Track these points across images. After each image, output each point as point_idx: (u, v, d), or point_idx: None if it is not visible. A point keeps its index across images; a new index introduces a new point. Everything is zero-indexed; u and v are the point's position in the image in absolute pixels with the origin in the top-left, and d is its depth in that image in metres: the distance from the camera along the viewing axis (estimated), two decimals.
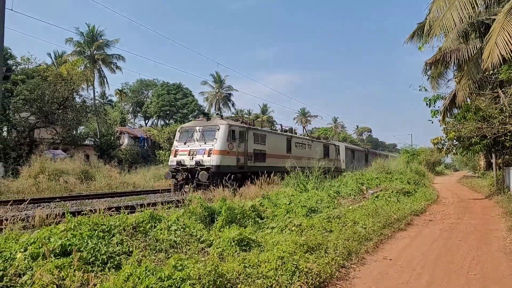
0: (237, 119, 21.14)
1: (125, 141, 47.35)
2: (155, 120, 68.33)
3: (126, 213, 6.70)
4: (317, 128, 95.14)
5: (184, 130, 19.55)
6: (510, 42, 10.45)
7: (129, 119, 68.75)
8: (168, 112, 63.06)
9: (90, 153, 36.77)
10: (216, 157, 17.10)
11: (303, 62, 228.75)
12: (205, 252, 5.96)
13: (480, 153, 23.34)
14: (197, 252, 5.81)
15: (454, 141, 17.91)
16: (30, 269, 4.39)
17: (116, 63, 46.71)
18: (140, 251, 5.29)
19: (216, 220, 7.58)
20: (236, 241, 6.01)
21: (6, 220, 7.85)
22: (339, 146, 36.16)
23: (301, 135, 29.84)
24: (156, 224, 6.39)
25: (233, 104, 68.28)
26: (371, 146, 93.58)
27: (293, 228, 7.58)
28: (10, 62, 33.08)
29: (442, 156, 34.23)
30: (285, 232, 7.43)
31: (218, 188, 14.51)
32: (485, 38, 12.78)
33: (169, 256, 5.28)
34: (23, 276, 4.27)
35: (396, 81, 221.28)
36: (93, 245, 4.94)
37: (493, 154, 22.01)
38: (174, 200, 12.95)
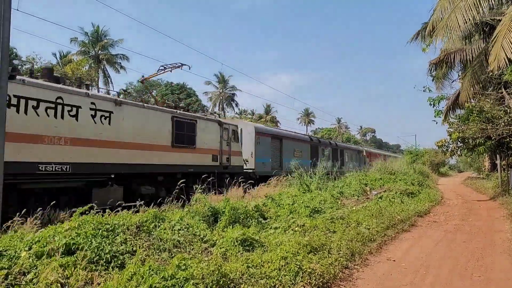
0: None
1: None
2: None
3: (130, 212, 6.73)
4: (321, 128, 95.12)
5: None
6: None
7: None
8: None
9: None
10: None
11: (306, 62, 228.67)
12: (208, 252, 5.96)
13: (484, 154, 23.23)
14: (200, 252, 5.82)
15: (459, 142, 17.83)
16: (35, 267, 4.42)
17: (120, 63, 46.92)
18: (144, 251, 5.31)
19: (220, 220, 7.59)
20: (239, 241, 6.02)
21: None
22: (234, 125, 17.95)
23: None
24: (159, 224, 6.41)
25: (236, 104, 68.37)
26: (374, 146, 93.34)
27: (296, 228, 7.57)
28: (15, 61, 33.28)
29: (446, 157, 34.10)
30: (289, 232, 7.43)
31: None
32: (491, 40, 12.72)
33: (173, 255, 5.29)
34: (28, 274, 4.30)
35: (400, 81, 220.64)
36: (97, 244, 4.96)
37: (497, 156, 21.90)
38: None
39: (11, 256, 4.63)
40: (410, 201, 14.30)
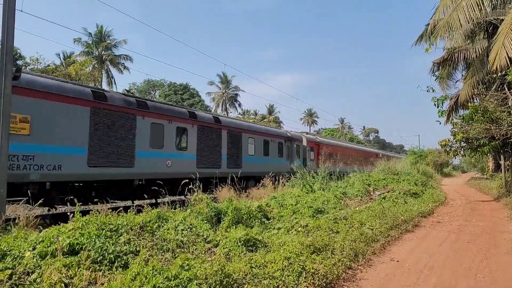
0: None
1: None
2: None
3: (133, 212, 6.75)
4: (324, 128, 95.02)
5: None
6: None
7: None
8: None
9: None
10: None
11: (308, 62, 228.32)
12: (211, 252, 5.97)
13: (488, 154, 23.12)
14: (203, 252, 5.83)
15: (462, 142, 17.75)
16: (39, 267, 4.44)
17: (123, 63, 47.06)
18: (147, 251, 5.32)
19: (223, 220, 7.59)
20: (242, 242, 6.02)
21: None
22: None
23: None
24: (163, 224, 6.42)
25: (239, 105, 68.40)
26: (378, 147, 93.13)
27: (299, 228, 7.57)
28: (19, 62, 33.42)
29: (450, 157, 33.89)
30: (292, 232, 7.42)
31: None
32: (492, 39, 12.69)
33: (176, 255, 5.30)
34: (32, 274, 4.32)
35: (403, 82, 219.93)
36: (100, 244, 4.98)
37: (502, 156, 21.80)
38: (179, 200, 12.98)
39: (16, 256, 4.65)
40: (413, 202, 14.26)
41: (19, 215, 7.05)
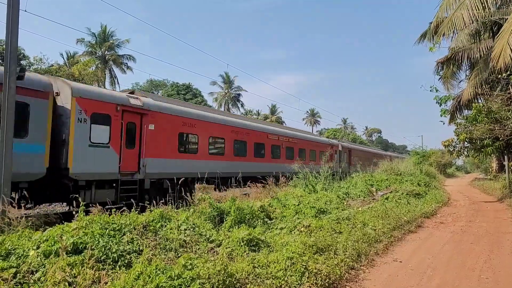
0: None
1: None
2: None
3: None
4: (326, 128, 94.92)
5: None
6: None
7: None
8: None
9: None
10: None
11: (311, 63, 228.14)
12: (214, 251, 5.98)
13: (492, 155, 23.03)
14: (206, 251, 5.84)
15: (466, 143, 17.68)
16: (43, 266, 4.47)
17: (126, 63, 47.20)
18: (150, 250, 5.34)
19: (225, 220, 7.60)
20: (245, 241, 6.03)
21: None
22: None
23: None
24: (166, 224, 6.44)
25: (242, 105, 68.48)
26: (380, 147, 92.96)
27: (302, 229, 7.56)
28: (23, 62, 33.57)
29: (453, 158, 33.75)
30: (294, 232, 7.42)
31: None
32: (496, 37, 12.64)
33: (179, 255, 5.31)
34: (36, 273, 4.35)
35: (407, 82, 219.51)
36: (104, 244, 5.00)
37: (505, 157, 21.71)
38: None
39: (20, 255, 4.68)
40: (416, 202, 14.23)
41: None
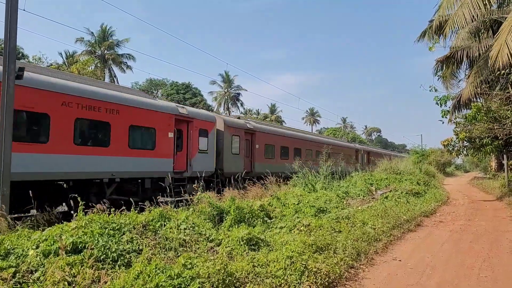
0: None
1: None
2: None
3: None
4: (326, 128, 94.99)
5: None
6: None
7: None
8: None
9: None
10: None
11: (311, 63, 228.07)
12: (214, 251, 5.98)
13: (491, 154, 23.06)
14: (206, 251, 5.84)
15: (465, 142, 17.69)
16: (42, 266, 4.46)
17: (126, 62, 47.11)
18: (150, 249, 5.34)
19: (225, 220, 7.60)
20: (245, 241, 6.03)
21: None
22: None
23: None
24: (165, 223, 6.44)
25: (241, 104, 68.44)
26: (380, 146, 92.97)
27: (301, 228, 7.57)
28: (22, 61, 33.54)
29: (452, 157, 33.75)
30: (294, 232, 7.43)
31: None
32: (495, 36, 12.65)
33: (179, 254, 5.31)
34: (35, 272, 4.34)
35: (406, 81, 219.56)
36: (103, 243, 5.00)
37: (504, 155, 21.72)
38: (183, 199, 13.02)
39: (19, 255, 4.67)
40: (416, 201, 14.24)
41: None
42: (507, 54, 10.89)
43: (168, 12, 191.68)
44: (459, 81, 20.49)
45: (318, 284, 4.89)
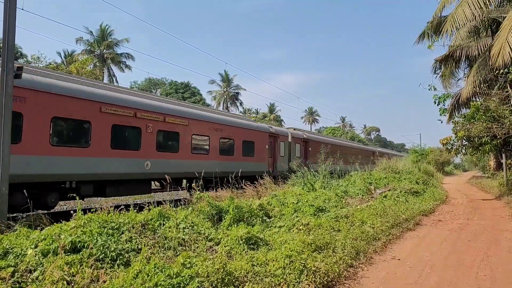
0: None
1: None
2: None
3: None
4: (325, 127, 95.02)
5: None
6: None
7: None
8: None
9: None
10: None
11: (311, 62, 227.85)
12: (213, 250, 5.98)
13: (490, 153, 23.09)
14: (205, 250, 5.84)
15: (464, 141, 17.72)
16: (41, 265, 4.46)
17: (125, 62, 47.06)
18: (149, 249, 5.33)
19: (224, 219, 7.60)
20: (244, 240, 6.03)
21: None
22: None
23: None
24: (164, 222, 6.43)
25: (241, 103, 68.40)
26: (379, 145, 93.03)
27: (300, 227, 7.57)
28: (20, 60, 33.48)
29: (451, 156, 33.79)
30: (293, 231, 7.43)
31: None
32: (495, 35, 12.67)
33: (178, 253, 5.31)
34: (34, 272, 4.34)
35: (405, 81, 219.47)
36: (102, 242, 4.99)
37: (503, 154, 21.75)
38: (182, 198, 13.02)
39: (18, 254, 4.67)
40: (415, 200, 14.25)
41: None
42: (509, 53, 10.90)
43: (168, 12, 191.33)
44: (458, 80, 20.53)
45: (317, 283, 4.89)
